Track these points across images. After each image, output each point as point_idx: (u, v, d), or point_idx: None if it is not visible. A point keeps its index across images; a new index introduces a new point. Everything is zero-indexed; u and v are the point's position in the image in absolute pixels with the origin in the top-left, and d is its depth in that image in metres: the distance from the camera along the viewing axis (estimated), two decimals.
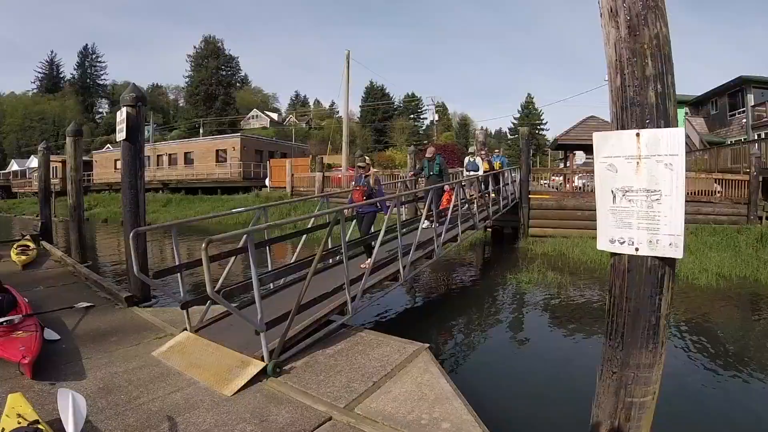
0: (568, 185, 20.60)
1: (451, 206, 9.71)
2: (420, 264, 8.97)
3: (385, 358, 5.32)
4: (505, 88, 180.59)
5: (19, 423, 3.59)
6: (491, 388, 6.15)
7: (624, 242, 2.92)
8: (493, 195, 14.64)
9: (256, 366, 5.06)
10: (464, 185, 11.31)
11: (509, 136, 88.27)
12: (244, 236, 6.22)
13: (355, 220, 9.20)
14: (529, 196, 17.72)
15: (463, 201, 10.68)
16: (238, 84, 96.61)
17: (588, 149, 25.96)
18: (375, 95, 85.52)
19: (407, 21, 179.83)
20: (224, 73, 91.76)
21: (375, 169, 8.74)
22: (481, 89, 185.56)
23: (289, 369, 5.18)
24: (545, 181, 22.65)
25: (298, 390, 4.70)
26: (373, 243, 7.55)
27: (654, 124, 2.79)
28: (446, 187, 11.53)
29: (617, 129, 2.91)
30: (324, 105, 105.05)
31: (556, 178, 23.17)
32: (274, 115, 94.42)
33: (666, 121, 2.79)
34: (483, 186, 13.42)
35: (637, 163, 2.84)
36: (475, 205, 11.79)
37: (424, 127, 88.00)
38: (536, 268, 12.34)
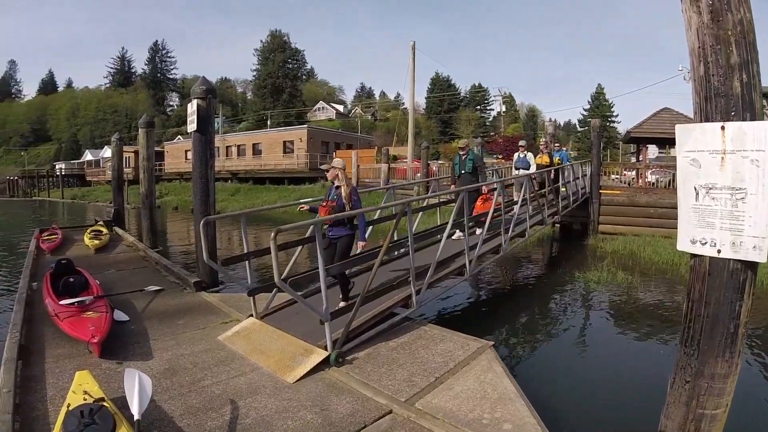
0: (640, 180, 19.74)
1: (491, 211, 8.31)
2: (486, 259, 8.90)
3: (448, 353, 5.29)
4: (574, 78, 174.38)
5: (85, 399, 3.75)
6: (554, 390, 5.97)
7: (706, 243, 2.80)
8: (551, 193, 13.28)
9: (319, 355, 5.14)
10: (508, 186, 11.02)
11: (579, 129, 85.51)
12: (311, 226, 6.40)
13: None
14: (600, 191, 17.18)
15: (509, 202, 10.21)
16: (304, 77, 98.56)
17: (661, 143, 24.85)
18: (441, 86, 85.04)
19: (474, 10, 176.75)
20: (290, 66, 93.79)
21: (346, 175, 6.39)
22: (550, 80, 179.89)
23: (351, 360, 5.24)
24: (616, 176, 21.66)
25: (360, 381, 4.74)
26: (347, 272, 6.59)
27: (739, 116, 2.66)
28: (484, 189, 9.82)
29: (700, 121, 2.80)
30: (389, 97, 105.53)
31: (628, 173, 22.16)
32: (340, 107, 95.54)
33: (752, 114, 2.65)
34: (540, 184, 12.61)
35: (722, 158, 2.71)
36: (542, 200, 11.40)
37: (490, 119, 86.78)
38: (605, 267, 11.88)
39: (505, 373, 4.77)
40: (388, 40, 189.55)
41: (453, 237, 8.36)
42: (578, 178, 16.19)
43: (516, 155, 13.69)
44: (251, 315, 6.44)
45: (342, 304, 6.10)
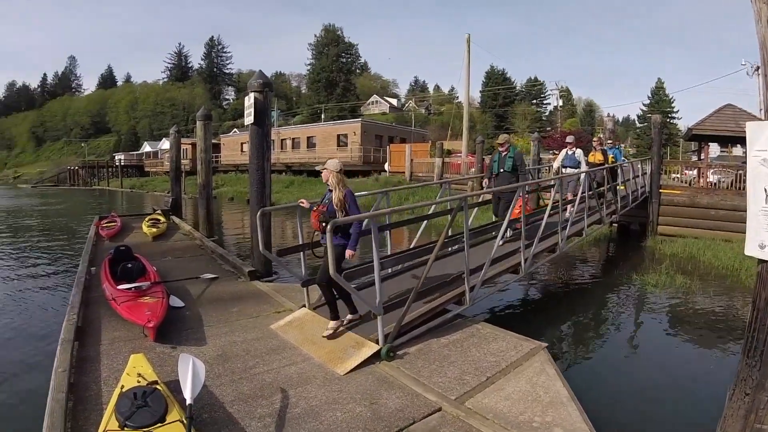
0: (701, 180, 18.85)
1: (521, 213, 7.79)
2: (542, 258, 8.71)
3: (500, 353, 5.18)
4: (633, 72, 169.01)
5: (139, 382, 3.83)
6: (606, 395, 5.81)
7: None
8: (608, 192, 12.63)
9: (370, 348, 5.12)
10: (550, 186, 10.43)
11: (638, 125, 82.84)
12: (366, 219, 6.38)
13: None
14: (660, 190, 16.49)
15: (567, 201, 9.92)
16: (357, 70, 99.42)
17: (724, 141, 23.75)
18: (496, 80, 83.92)
19: (530, 1, 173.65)
20: (344, 60, 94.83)
21: (341, 178, 5.59)
22: (608, 74, 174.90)
23: (402, 354, 5.19)
24: (676, 175, 20.73)
25: (410, 377, 4.69)
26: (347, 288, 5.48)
27: None
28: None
29: None
30: (443, 90, 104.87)
31: (689, 172, 21.21)
32: (394, 101, 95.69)
33: None
34: (596, 183, 11.91)
35: None
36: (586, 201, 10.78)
37: (547, 113, 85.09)
38: (664, 270, 11.41)
39: (558, 376, 4.64)
40: (443, 33, 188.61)
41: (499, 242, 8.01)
42: (638, 176, 15.68)
43: (563, 152, 12.78)
44: (304, 305, 6.50)
45: (350, 316, 5.74)
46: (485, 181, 9.77)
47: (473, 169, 25.31)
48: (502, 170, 9.25)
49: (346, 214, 5.40)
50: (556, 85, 74.78)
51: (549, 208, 8.59)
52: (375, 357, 5.06)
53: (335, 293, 5.63)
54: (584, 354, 7.37)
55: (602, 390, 5.98)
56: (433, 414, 4.07)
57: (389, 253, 7.85)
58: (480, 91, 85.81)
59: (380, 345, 5.14)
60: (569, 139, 12.85)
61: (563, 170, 12.18)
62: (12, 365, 6.95)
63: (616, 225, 17.29)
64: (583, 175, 10.05)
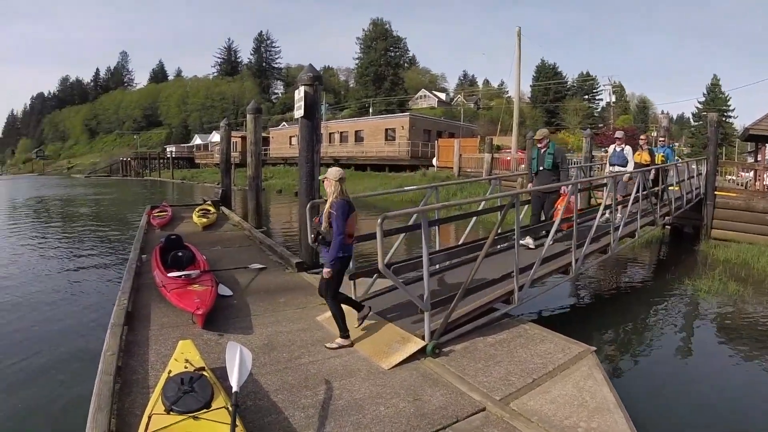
0: (757, 183, 17.98)
1: (556, 224, 7.17)
2: (593, 258, 8.55)
3: (547, 355, 5.09)
4: (688, 68, 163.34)
5: (186, 368, 3.91)
6: (654, 403, 5.69)
7: None
8: (652, 195, 11.54)
9: (416, 344, 5.09)
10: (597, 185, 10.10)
11: (692, 123, 79.90)
12: (415, 214, 6.37)
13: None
14: (715, 192, 15.86)
15: (621, 202, 9.47)
16: (406, 64, 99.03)
17: None
18: (546, 74, 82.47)
19: None
20: (392, 54, 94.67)
21: (338, 187, 5.26)
22: (662, 69, 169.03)
23: (447, 352, 5.16)
24: (731, 177, 19.86)
25: (455, 375, 4.65)
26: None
27: None
28: (562, 189, 8.41)
29: None
30: (493, 84, 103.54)
31: (745, 174, 20.31)
32: (442, 95, 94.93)
33: None
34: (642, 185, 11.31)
35: None
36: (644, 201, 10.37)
37: (599, 109, 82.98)
38: (716, 276, 10.99)
39: (606, 382, 4.52)
40: (492, 26, 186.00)
41: (522, 242, 7.60)
42: (692, 177, 15.17)
43: (611, 149, 12.24)
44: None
45: (340, 340, 5.35)
46: (530, 185, 9.42)
47: (523, 166, 25.01)
48: (541, 168, 8.74)
49: (329, 226, 5.19)
50: (609, 80, 72.48)
51: (602, 207, 8.41)
52: (420, 353, 5.04)
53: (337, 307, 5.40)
54: (631, 359, 7.22)
55: (649, 398, 5.86)
56: (476, 414, 4.02)
57: (436, 248, 7.81)
58: (530, 86, 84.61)
59: (426, 341, 5.12)
60: (618, 134, 12.30)
61: (610, 168, 11.73)
62: (63, 348, 7.28)
63: (669, 227, 16.75)
64: (638, 175, 9.77)
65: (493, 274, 6.36)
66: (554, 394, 4.35)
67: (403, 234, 7.20)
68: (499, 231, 7.82)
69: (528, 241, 8.24)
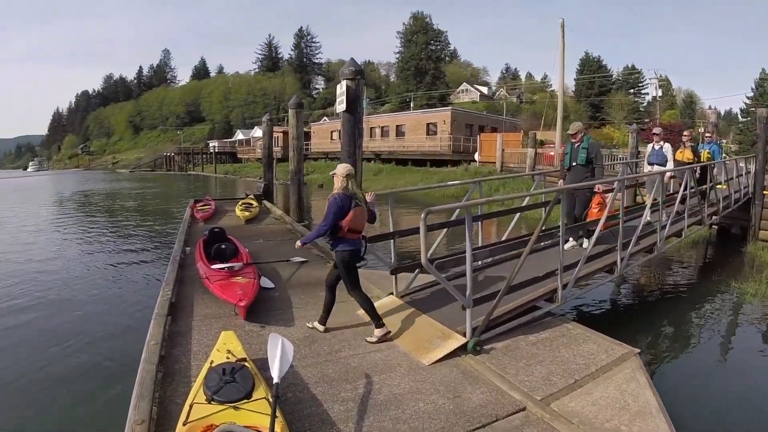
0: None
1: (602, 221, 6.86)
2: (638, 258, 8.37)
3: (590, 356, 4.99)
4: (736, 62, 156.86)
5: (228, 358, 3.97)
6: (697, 409, 5.55)
7: None
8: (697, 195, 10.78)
9: (457, 340, 5.07)
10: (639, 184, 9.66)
11: (740, 119, 76.74)
12: (458, 209, 6.35)
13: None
14: (764, 191, 15.15)
15: (668, 199, 9.16)
16: (447, 58, 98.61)
17: None
18: (590, 67, 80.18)
19: None
20: (433, 47, 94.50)
21: (341, 182, 5.42)
22: (709, 63, 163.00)
23: (488, 349, 5.11)
24: None
25: (495, 373, 4.60)
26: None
27: None
28: (597, 187, 8.12)
29: None
30: (536, 78, 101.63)
31: None
32: (484, 89, 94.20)
33: None
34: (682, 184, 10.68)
35: None
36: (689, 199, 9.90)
37: (645, 104, 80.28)
38: (764, 280, 10.53)
39: (649, 385, 4.41)
40: (535, 18, 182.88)
41: (566, 246, 7.21)
42: (741, 175, 14.64)
43: (649, 147, 11.58)
44: (391, 293, 6.56)
45: (378, 332, 5.39)
46: (560, 182, 8.65)
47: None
48: (574, 164, 8.25)
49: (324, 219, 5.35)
50: (655, 74, 70.50)
51: (649, 205, 8.21)
52: (461, 350, 5.01)
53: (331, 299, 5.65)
54: (674, 363, 7.05)
55: (692, 403, 5.71)
56: (517, 413, 3.99)
57: (479, 244, 7.76)
58: (574, 79, 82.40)
59: (467, 338, 5.08)
60: (656, 130, 11.65)
61: (648, 167, 11.22)
62: (108, 337, 7.53)
63: (715, 227, 16.20)
64: (686, 173, 9.48)
65: (536, 271, 6.26)
66: (596, 395, 4.27)
67: (446, 229, 7.18)
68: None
69: (572, 244, 8.03)
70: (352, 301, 6.51)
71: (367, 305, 5.49)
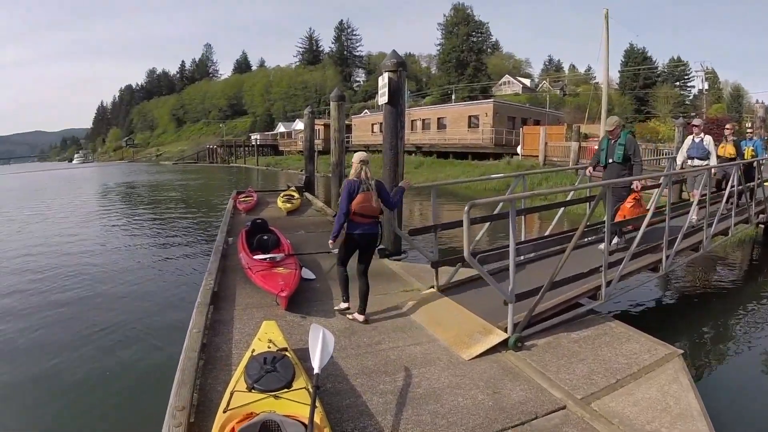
0: None
1: (648, 218, 6.62)
2: (684, 256, 8.14)
3: (633, 355, 4.88)
4: None
5: (269, 348, 4.01)
6: (739, 414, 5.34)
7: None
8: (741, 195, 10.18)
9: (498, 336, 5.03)
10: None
11: None
12: (501, 203, 6.27)
13: None
14: None
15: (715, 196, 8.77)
16: (489, 50, 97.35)
17: None
18: (635, 59, 77.94)
19: None
20: (475, 39, 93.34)
21: (354, 167, 5.85)
22: (757, 56, 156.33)
23: (530, 346, 5.05)
24: None
25: (536, 370, 4.55)
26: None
27: None
28: (635, 185, 7.53)
29: None
30: (579, 70, 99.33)
31: None
32: (527, 81, 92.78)
33: None
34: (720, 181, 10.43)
35: None
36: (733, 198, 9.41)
37: (690, 97, 77.89)
38: None
39: (691, 387, 4.28)
40: (579, 8, 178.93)
41: (600, 247, 7.15)
42: None
43: (688, 140, 10.55)
44: (432, 287, 6.53)
45: (360, 317, 5.69)
46: (588, 170, 8.43)
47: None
48: (611, 160, 7.73)
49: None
50: (701, 66, 68.23)
51: (695, 203, 7.97)
52: (502, 345, 4.97)
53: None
54: (718, 365, 6.82)
55: (734, 407, 5.51)
56: (556, 411, 3.93)
57: (522, 239, 7.67)
58: (618, 71, 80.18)
59: (508, 334, 5.03)
60: (696, 122, 10.73)
61: (688, 162, 10.36)
62: (151, 324, 7.75)
63: (762, 226, 15.58)
64: (734, 169, 9.14)
65: (579, 268, 6.16)
66: (637, 396, 4.18)
67: (488, 223, 7.13)
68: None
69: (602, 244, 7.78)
70: (393, 294, 6.58)
71: (342, 280, 5.96)
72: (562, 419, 3.83)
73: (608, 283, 6.03)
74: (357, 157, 5.83)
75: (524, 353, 4.92)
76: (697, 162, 10.10)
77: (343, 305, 5.94)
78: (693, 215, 7.71)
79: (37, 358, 6.61)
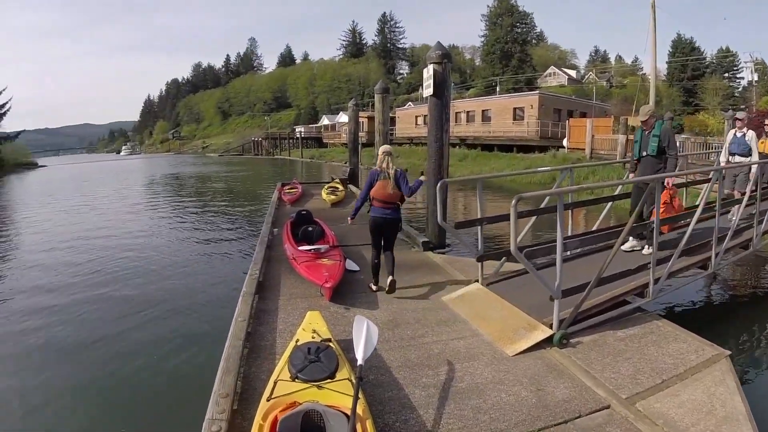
0: None
1: (698, 214, 6.34)
2: (733, 254, 7.90)
3: (679, 355, 4.75)
4: None
5: (313, 338, 4.04)
6: None
7: None
8: None
9: (543, 332, 4.97)
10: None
11: None
12: (547, 197, 6.18)
13: None
14: None
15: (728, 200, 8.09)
16: (533, 41, 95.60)
17: None
18: (683, 50, 75.22)
19: None
20: (519, 30, 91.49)
21: (378, 156, 6.70)
22: None
23: (575, 343, 4.96)
24: None
25: (581, 368, 4.47)
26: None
27: None
28: (667, 182, 7.03)
29: None
30: (626, 61, 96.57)
31: None
32: (572, 73, 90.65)
33: None
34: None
35: None
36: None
37: (740, 89, 74.64)
38: None
39: (738, 390, 4.14)
40: None
41: (624, 247, 6.81)
42: None
43: (730, 134, 9.74)
44: (476, 280, 6.49)
45: (388, 279, 6.26)
46: (630, 175, 7.76)
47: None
48: (644, 153, 7.18)
49: None
50: (751, 56, 65.71)
51: (746, 199, 7.65)
52: (546, 342, 4.90)
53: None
54: (766, 369, 6.56)
55: None
56: (600, 411, 3.85)
57: (569, 234, 7.54)
58: (666, 62, 77.31)
59: (553, 330, 4.97)
60: (739, 115, 9.93)
61: (730, 158, 9.52)
62: (196, 312, 7.92)
63: None
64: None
65: (625, 264, 6.02)
66: (683, 398, 4.06)
67: (534, 217, 7.03)
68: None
69: (632, 243, 7.27)
70: (437, 287, 6.57)
71: (373, 263, 6.63)
72: (606, 419, 3.76)
73: (656, 281, 5.87)
74: (382, 149, 6.67)
75: (569, 350, 4.84)
76: (737, 159, 9.34)
77: (374, 287, 6.54)
78: (739, 212, 7.38)
79: (89, 342, 6.86)
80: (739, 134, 9.38)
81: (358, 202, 6.89)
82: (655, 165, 7.04)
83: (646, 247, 6.95)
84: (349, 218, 6.95)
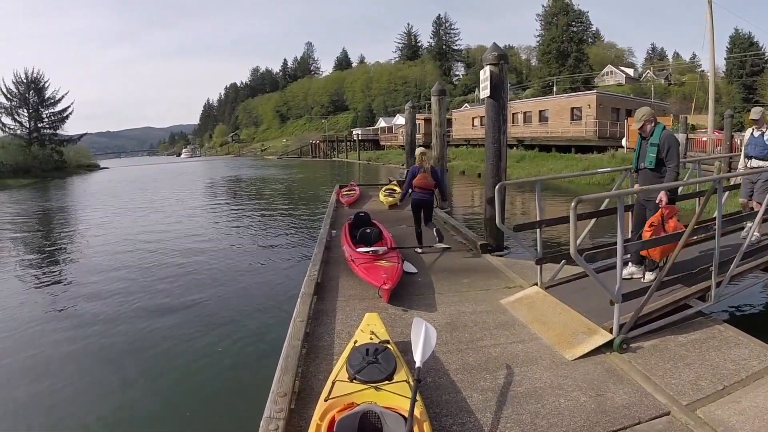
0: None
1: (761, 213, 5.82)
2: None
3: (741, 361, 4.54)
4: None
5: (371, 339, 4.05)
6: None
7: None
8: None
9: (603, 336, 4.84)
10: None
11: None
12: (606, 199, 6.02)
13: None
14: None
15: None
16: (589, 39, 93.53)
17: None
18: (741, 45, 71.95)
19: None
20: (575, 29, 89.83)
21: (417, 157, 8.72)
22: None
23: (635, 348, 4.80)
24: None
25: (641, 373, 4.33)
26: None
27: None
28: (663, 197, 5.72)
29: None
30: (684, 58, 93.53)
31: None
32: (630, 71, 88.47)
33: None
34: None
35: None
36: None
37: None
38: None
39: None
40: None
41: (624, 273, 5.59)
42: None
43: (747, 133, 8.29)
44: (535, 284, 6.37)
45: (439, 244, 8.39)
46: (636, 186, 6.57)
47: (719, 148, 22.66)
48: (642, 166, 6.14)
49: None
50: None
51: (761, 212, 7.16)
52: (606, 346, 4.77)
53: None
54: None
55: None
56: (660, 417, 3.72)
57: (629, 236, 7.32)
58: (725, 58, 74.18)
59: (614, 335, 4.82)
60: (754, 112, 8.03)
61: (748, 161, 8.12)
62: (256, 313, 8.11)
63: None
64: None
65: (687, 267, 5.81)
66: (744, 404, 3.88)
67: (594, 219, 6.87)
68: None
69: (631, 270, 6.29)
70: (495, 291, 6.51)
71: (417, 233, 8.67)
72: (666, 425, 3.63)
73: (718, 284, 5.63)
74: (418, 150, 8.72)
75: (629, 355, 4.69)
76: (755, 163, 7.92)
77: (419, 250, 8.50)
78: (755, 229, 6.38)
79: (152, 340, 7.12)
80: (756, 134, 7.95)
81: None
82: (654, 181, 6.00)
83: (647, 273, 6.10)
84: (398, 201, 10.15)
